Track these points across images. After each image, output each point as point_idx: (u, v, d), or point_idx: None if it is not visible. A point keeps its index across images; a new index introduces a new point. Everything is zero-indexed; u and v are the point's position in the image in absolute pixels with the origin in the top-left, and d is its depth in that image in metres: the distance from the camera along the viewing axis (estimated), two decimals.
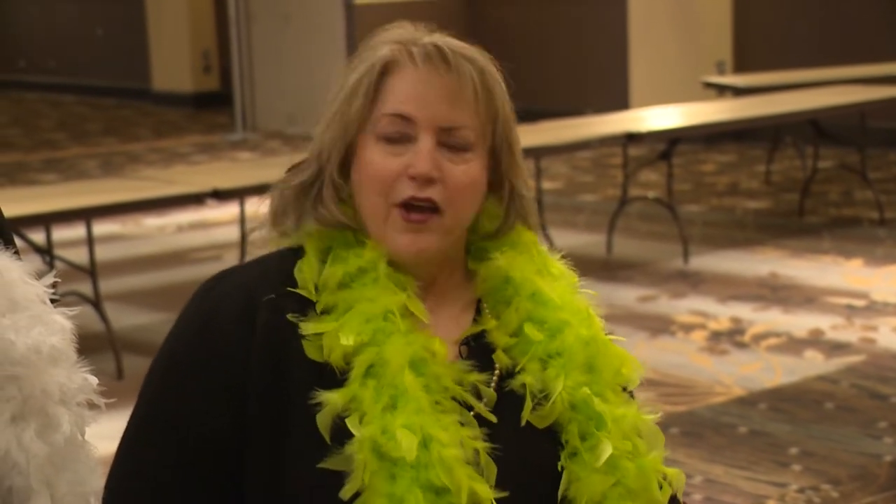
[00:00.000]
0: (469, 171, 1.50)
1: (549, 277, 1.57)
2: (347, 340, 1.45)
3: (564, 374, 1.50)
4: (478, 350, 1.53)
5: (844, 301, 6.02)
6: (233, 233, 7.10)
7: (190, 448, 1.51)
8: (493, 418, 1.48)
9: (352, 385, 1.44)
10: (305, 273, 1.51)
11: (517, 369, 1.51)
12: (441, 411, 1.44)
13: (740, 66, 10.47)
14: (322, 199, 1.52)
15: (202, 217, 8.17)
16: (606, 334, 1.57)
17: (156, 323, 6.12)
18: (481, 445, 1.45)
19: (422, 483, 1.40)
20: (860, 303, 5.99)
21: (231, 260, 6.84)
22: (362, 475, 1.41)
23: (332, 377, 1.45)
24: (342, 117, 1.51)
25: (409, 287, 1.50)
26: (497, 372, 1.52)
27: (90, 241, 5.57)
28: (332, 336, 1.46)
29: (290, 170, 1.58)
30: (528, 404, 1.50)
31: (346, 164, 1.52)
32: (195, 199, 5.92)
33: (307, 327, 1.47)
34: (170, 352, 1.56)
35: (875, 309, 5.90)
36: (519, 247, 1.57)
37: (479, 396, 1.49)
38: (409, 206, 1.47)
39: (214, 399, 1.50)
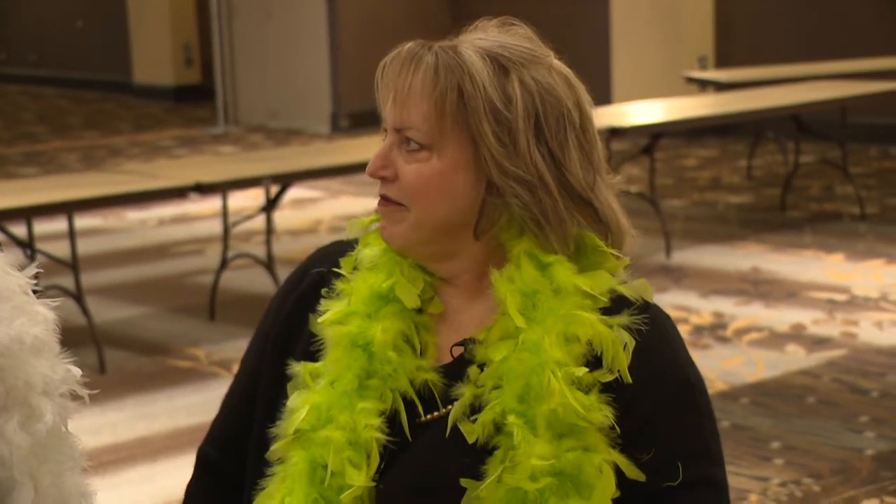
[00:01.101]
0: (422, 170, 1.49)
1: (542, 296, 1.48)
2: (323, 318, 1.55)
3: (500, 398, 1.45)
4: (466, 356, 1.51)
5: (826, 296, 6.04)
6: (215, 226, 7.10)
7: (234, 389, 1.70)
8: (429, 417, 1.51)
9: (321, 359, 1.55)
10: (351, 256, 1.60)
11: (475, 382, 1.49)
12: (362, 397, 1.50)
13: (722, 62, 10.50)
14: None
15: (184, 211, 8.18)
16: (590, 362, 1.46)
17: (137, 317, 6.13)
18: (377, 437, 1.48)
19: (309, 458, 1.50)
20: (841, 297, 6.01)
21: (213, 254, 6.86)
22: (283, 441, 1.53)
23: (318, 350, 1.56)
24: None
25: (402, 284, 1.54)
26: (466, 376, 1.50)
27: (72, 234, 5.55)
28: (321, 314, 1.56)
29: None
30: (455, 413, 1.48)
31: None
32: (178, 193, 5.92)
33: (322, 303, 1.57)
34: None
35: (856, 304, 5.92)
36: (514, 259, 1.51)
37: (429, 396, 1.51)
38: (380, 196, 1.54)
39: (253, 354, 1.67)
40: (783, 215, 7.82)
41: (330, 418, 1.49)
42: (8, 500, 1.44)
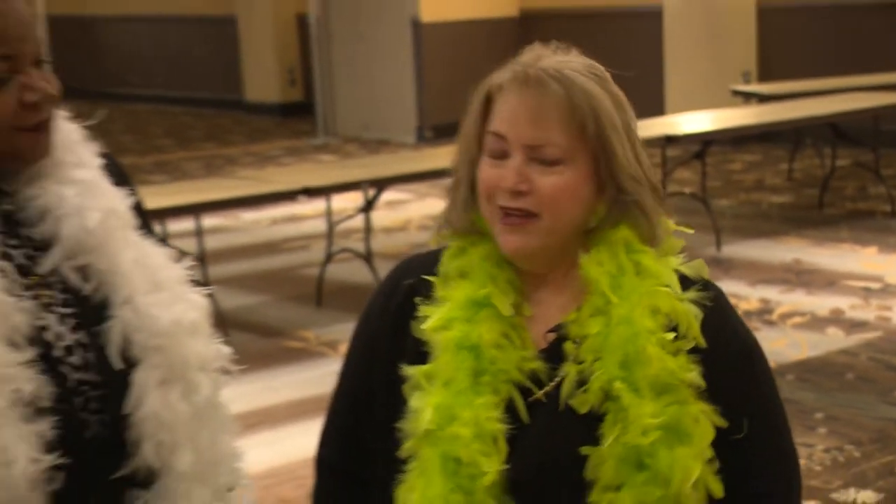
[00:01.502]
0: (557, 182, 1.47)
1: (628, 276, 1.50)
2: (430, 323, 1.51)
3: (603, 367, 1.46)
4: (561, 338, 1.51)
5: (861, 284, 5.99)
6: (320, 225, 7.16)
7: (351, 386, 1.63)
8: (544, 400, 1.48)
9: (430, 362, 1.50)
10: (440, 267, 1.56)
11: (577, 358, 1.49)
12: (478, 393, 1.47)
13: (764, 76, 10.38)
14: (456, 207, 1.55)
15: (292, 212, 8.23)
16: (670, 331, 1.48)
17: (255, 304, 6.21)
18: (499, 428, 1.46)
19: (442, 453, 1.46)
20: (876, 285, 5.96)
21: (318, 249, 6.91)
22: (413, 440, 1.49)
23: (427, 353, 1.51)
24: (465, 138, 1.53)
25: (500, 284, 1.51)
26: (565, 358, 1.49)
27: (199, 232, 5.64)
28: (424, 320, 1.52)
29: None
30: (566, 390, 1.47)
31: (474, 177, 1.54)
32: (288, 196, 5.98)
33: (422, 310, 1.53)
34: (361, 313, 1.66)
35: (889, 291, 5.86)
36: (608, 245, 1.52)
37: (537, 380, 1.49)
38: (506, 211, 1.48)
39: (357, 361, 1.62)
40: (821, 213, 7.74)
41: (453, 416, 1.46)
42: (172, 459, 1.47)
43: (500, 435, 1.45)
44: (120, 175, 1.58)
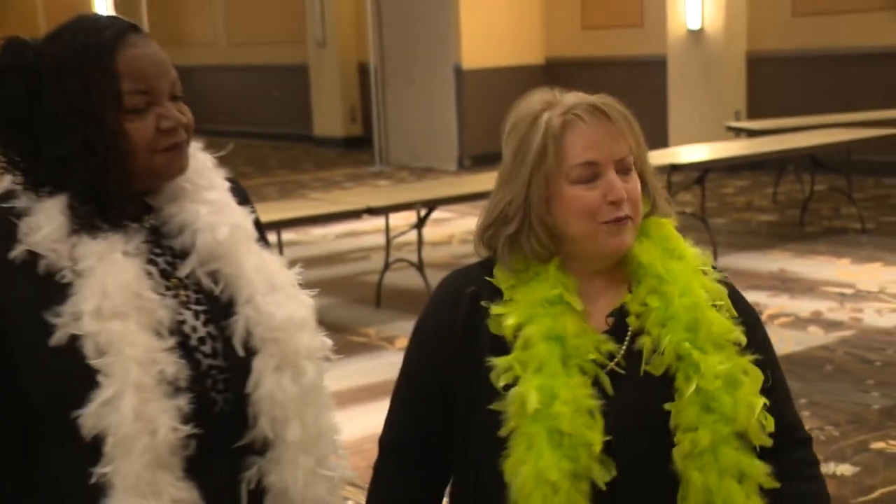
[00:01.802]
0: (636, 185, 1.50)
1: (672, 260, 1.52)
2: (512, 321, 1.48)
3: (671, 334, 1.47)
4: (620, 317, 1.51)
5: (837, 290, 5.95)
6: (378, 239, 7.16)
7: (418, 383, 1.59)
8: (622, 372, 1.48)
9: (515, 353, 1.47)
10: (498, 274, 1.53)
11: (643, 331, 1.49)
12: (574, 374, 1.45)
13: (752, 114, 10.32)
14: (535, 234, 1.50)
15: (353, 228, 8.25)
16: (715, 304, 1.51)
17: (325, 306, 6.20)
18: (594, 403, 1.44)
19: (547, 428, 1.43)
20: (849, 291, 5.92)
21: (377, 259, 6.92)
22: (513, 419, 1.45)
23: (504, 346, 1.48)
24: (538, 173, 1.49)
25: (567, 284, 1.50)
26: (629, 333, 1.50)
27: (279, 245, 5.67)
28: (504, 317, 1.49)
29: (489, 219, 1.55)
30: (645, 357, 1.48)
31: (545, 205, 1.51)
32: (354, 215, 6.01)
33: (493, 309, 1.51)
34: (416, 324, 1.62)
35: (861, 296, 5.83)
36: (652, 236, 1.54)
37: (612, 357, 1.48)
38: (616, 218, 1.48)
39: (429, 358, 1.57)
40: (802, 230, 7.68)
41: (555, 396, 1.43)
42: (283, 432, 1.48)
43: (595, 409, 1.44)
44: (242, 196, 1.60)
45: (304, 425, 1.49)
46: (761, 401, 1.48)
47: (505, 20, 11.87)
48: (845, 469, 3.64)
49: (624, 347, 1.50)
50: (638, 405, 1.47)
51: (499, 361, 1.47)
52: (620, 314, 1.52)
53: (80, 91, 1.40)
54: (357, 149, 13.49)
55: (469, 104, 11.77)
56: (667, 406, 1.46)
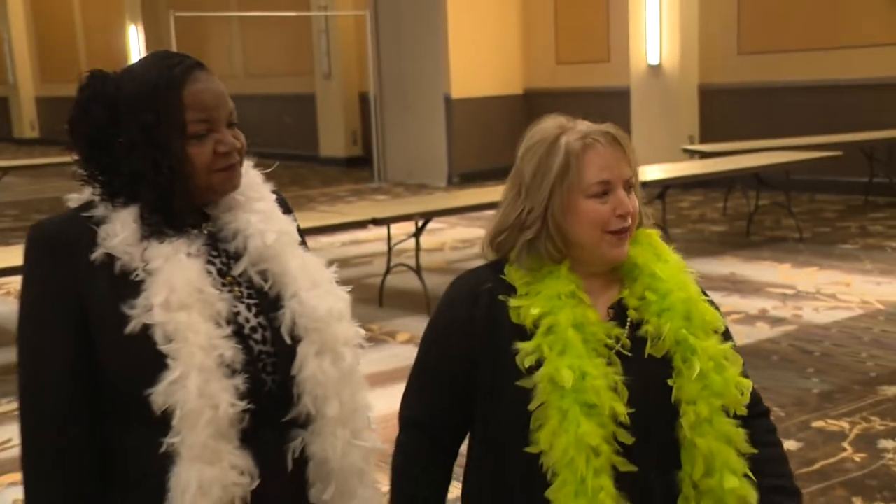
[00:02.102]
0: (636, 201, 1.54)
1: (661, 262, 1.56)
2: (535, 310, 1.49)
3: (670, 322, 1.50)
4: (619, 310, 1.55)
5: (780, 291, 5.99)
6: (380, 246, 7.17)
7: (437, 371, 1.59)
8: (629, 354, 1.51)
9: (538, 339, 1.48)
10: (514, 272, 1.54)
11: (643, 321, 1.52)
12: (593, 356, 1.47)
13: (705, 138, 10.40)
14: (551, 239, 1.52)
15: (356, 237, 8.25)
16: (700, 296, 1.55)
17: None
18: (619, 378, 1.47)
19: (579, 401, 1.44)
20: (790, 292, 5.97)
21: (379, 264, 6.92)
22: (542, 395, 1.46)
23: (525, 333, 1.49)
24: (560, 187, 1.51)
25: (576, 282, 1.52)
26: (629, 323, 1.53)
27: None
28: (526, 308, 1.50)
29: (502, 226, 1.56)
30: (649, 343, 1.51)
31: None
32: (360, 225, 5.99)
33: (512, 302, 1.51)
34: (433, 319, 1.62)
35: (800, 296, 5.87)
36: (642, 243, 1.58)
37: (618, 341, 1.52)
38: (622, 229, 1.51)
39: (452, 347, 1.56)
40: (748, 239, 7.73)
41: (584, 374, 1.44)
42: (323, 408, 1.49)
43: (619, 383, 1.46)
44: (286, 206, 1.63)
45: (341, 403, 1.50)
46: (749, 382, 1.53)
47: (489, 56, 11.92)
48: (791, 444, 3.67)
49: (626, 334, 1.52)
50: (647, 381, 1.49)
51: (524, 345, 1.47)
52: (620, 307, 1.55)
53: (151, 119, 1.43)
54: (358, 167, 13.49)
55: (457, 129, 11.81)
56: (669, 382, 1.49)
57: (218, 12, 15.02)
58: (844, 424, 3.85)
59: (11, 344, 6.16)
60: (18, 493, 3.59)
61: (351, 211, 6.75)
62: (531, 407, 1.46)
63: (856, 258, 6.83)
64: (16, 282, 7.04)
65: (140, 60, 1.49)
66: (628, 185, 1.52)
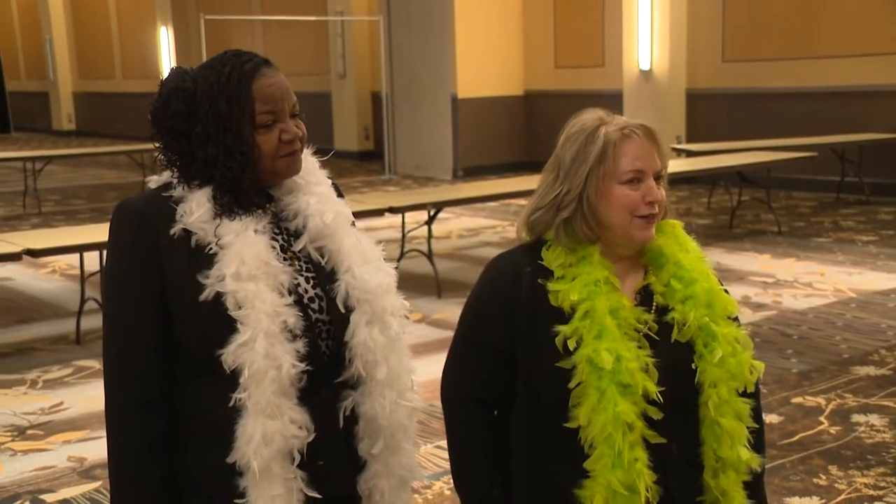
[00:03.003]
0: (664, 192, 1.53)
1: (684, 252, 1.56)
2: (574, 296, 1.48)
3: (694, 310, 1.50)
4: (646, 295, 1.54)
5: (761, 279, 6.01)
6: (395, 233, 7.14)
7: (482, 346, 1.56)
8: (657, 338, 1.50)
9: (575, 322, 1.47)
10: (551, 256, 1.53)
11: (669, 307, 1.52)
12: (626, 340, 1.46)
13: (691, 138, 10.42)
14: (585, 219, 1.51)
15: (371, 224, 8.21)
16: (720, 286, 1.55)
17: None
18: (650, 360, 1.46)
19: (616, 381, 1.44)
20: (770, 280, 5.98)
21: (393, 250, 6.83)
22: (581, 375, 1.45)
23: (563, 315, 1.48)
24: (596, 172, 1.50)
25: (608, 268, 1.52)
26: (654, 307, 1.53)
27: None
28: (564, 293, 1.49)
29: (540, 204, 1.55)
30: (676, 328, 1.51)
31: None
32: (378, 213, 5.96)
33: (552, 286, 1.50)
34: (475, 298, 1.58)
35: (780, 284, 5.89)
36: (667, 233, 1.57)
37: (647, 325, 1.51)
38: (651, 215, 1.51)
39: (497, 324, 1.53)
40: (731, 232, 7.74)
41: (620, 356, 1.43)
42: (373, 371, 1.52)
43: (651, 365, 1.46)
44: (338, 191, 1.67)
45: (389, 367, 1.53)
46: (762, 364, 1.54)
47: (492, 59, 11.92)
48: (773, 418, 3.70)
49: (653, 318, 1.51)
50: (675, 364, 1.49)
51: (564, 328, 1.46)
52: (646, 292, 1.54)
53: (225, 110, 1.48)
54: (370, 161, 13.47)
55: (462, 126, 11.80)
56: (693, 365, 1.49)
57: (243, 16, 14.99)
58: (821, 400, 3.89)
59: (58, 317, 6.18)
60: (73, 450, 3.66)
61: (366, 200, 6.75)
62: (570, 385, 1.45)
63: (829, 250, 6.85)
64: (60, 261, 7.05)
65: (214, 58, 1.53)
66: (658, 176, 1.51)
